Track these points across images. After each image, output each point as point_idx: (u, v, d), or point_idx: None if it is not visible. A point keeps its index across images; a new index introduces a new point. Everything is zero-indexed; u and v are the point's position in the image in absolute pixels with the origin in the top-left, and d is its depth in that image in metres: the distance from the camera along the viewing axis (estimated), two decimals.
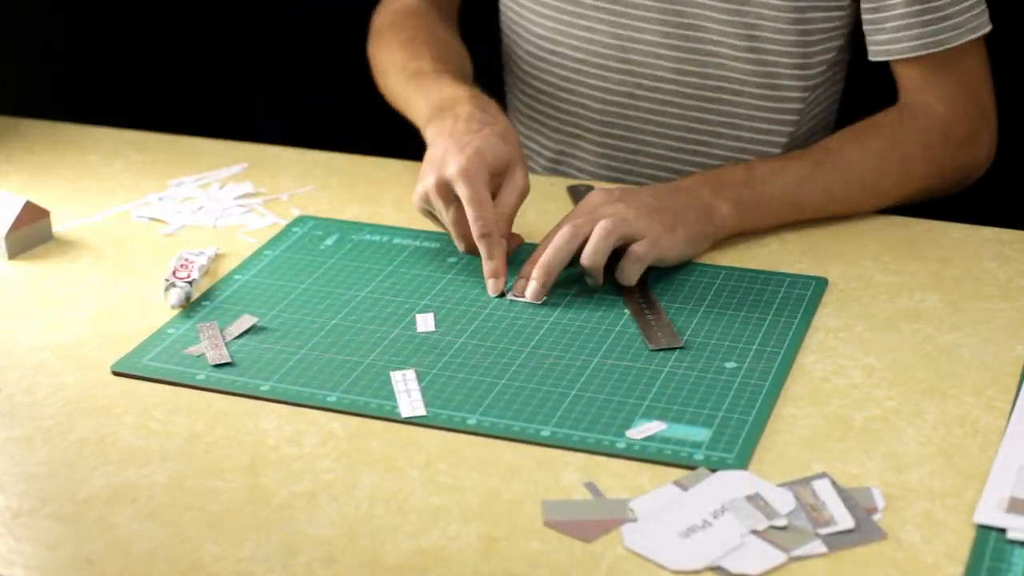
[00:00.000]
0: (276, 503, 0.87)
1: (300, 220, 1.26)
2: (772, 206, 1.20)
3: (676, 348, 1.02)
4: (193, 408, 0.97)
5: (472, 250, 1.15)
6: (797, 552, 0.81)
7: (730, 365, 1.01)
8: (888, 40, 1.25)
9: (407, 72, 1.32)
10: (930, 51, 1.23)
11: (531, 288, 1.09)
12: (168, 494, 0.88)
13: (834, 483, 0.87)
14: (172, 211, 1.28)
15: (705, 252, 1.17)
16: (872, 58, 1.27)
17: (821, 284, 1.12)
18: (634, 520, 0.83)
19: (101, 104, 1.93)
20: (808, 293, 1.11)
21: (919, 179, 1.25)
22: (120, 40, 1.94)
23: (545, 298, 1.10)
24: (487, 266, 1.11)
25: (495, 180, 1.14)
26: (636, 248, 1.10)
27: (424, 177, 1.15)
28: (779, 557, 0.81)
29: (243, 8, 1.93)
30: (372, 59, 1.44)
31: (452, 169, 1.11)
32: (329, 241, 1.22)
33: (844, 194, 1.22)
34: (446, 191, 1.13)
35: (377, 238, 1.22)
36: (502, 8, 1.45)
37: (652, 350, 1.02)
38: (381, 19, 1.46)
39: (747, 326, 1.06)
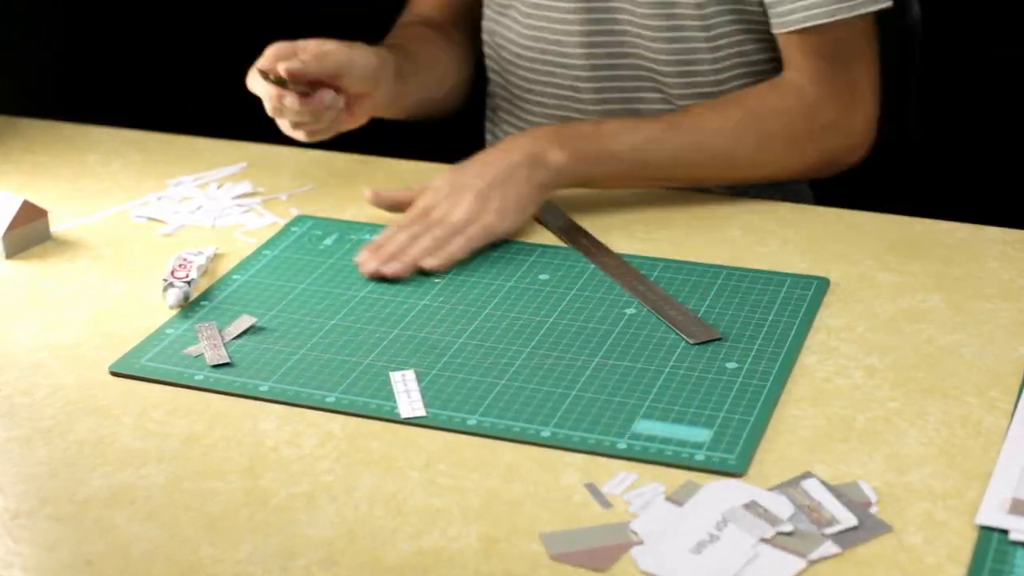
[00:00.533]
0: (275, 504, 0.87)
1: (299, 220, 1.26)
2: (614, 160, 1.23)
3: (715, 340, 1.03)
4: (192, 409, 0.97)
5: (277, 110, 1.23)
6: (813, 555, 0.81)
7: (731, 366, 1.01)
8: (785, 11, 1.25)
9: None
10: (818, 22, 1.24)
11: (392, 267, 1.14)
12: (166, 495, 0.88)
13: (822, 481, 0.87)
14: (170, 211, 1.28)
15: (553, 192, 1.23)
16: (773, 31, 1.28)
17: (823, 284, 1.12)
18: (640, 542, 0.83)
19: (99, 103, 1.93)
20: (809, 293, 1.11)
21: (776, 157, 1.26)
22: (119, 39, 1.94)
23: (541, 295, 1.10)
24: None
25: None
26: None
27: None
28: (799, 563, 0.80)
29: (242, 7, 1.93)
30: None
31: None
32: (328, 241, 1.22)
33: (692, 159, 1.25)
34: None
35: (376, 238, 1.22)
36: None
37: (692, 344, 1.03)
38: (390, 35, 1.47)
39: (748, 326, 1.06)
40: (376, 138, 1.61)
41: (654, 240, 1.20)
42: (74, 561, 0.82)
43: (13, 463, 0.92)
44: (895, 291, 1.11)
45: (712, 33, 1.32)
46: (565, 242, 1.20)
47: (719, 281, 1.13)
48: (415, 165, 1.38)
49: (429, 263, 1.15)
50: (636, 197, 1.28)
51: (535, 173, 1.21)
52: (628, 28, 1.33)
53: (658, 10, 1.30)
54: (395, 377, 1.00)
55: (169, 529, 0.85)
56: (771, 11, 1.28)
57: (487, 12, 1.44)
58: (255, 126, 1.66)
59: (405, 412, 0.96)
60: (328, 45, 1.22)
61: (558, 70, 1.38)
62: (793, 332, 1.05)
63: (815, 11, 1.24)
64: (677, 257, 1.17)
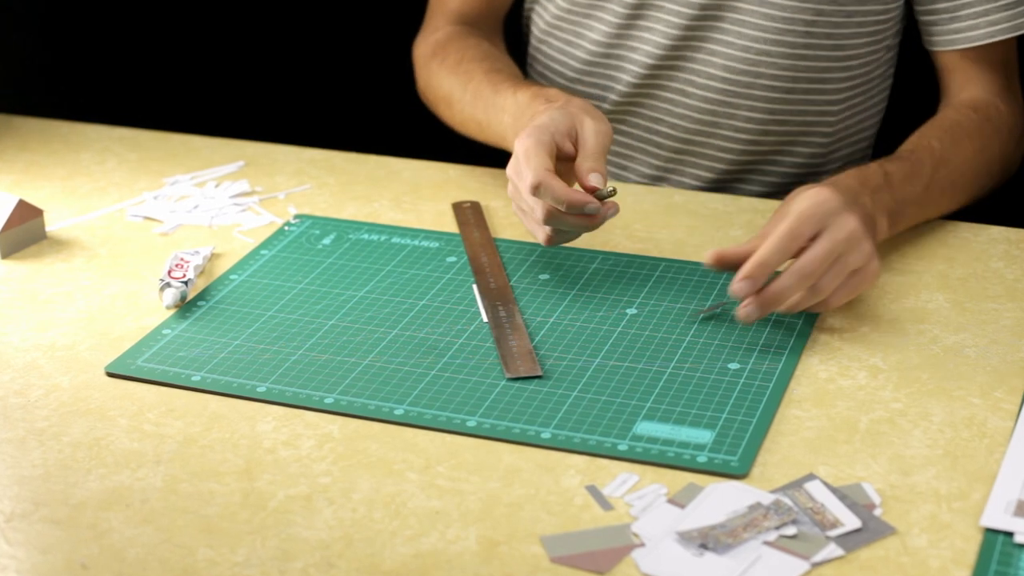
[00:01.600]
0: (272, 507, 0.87)
1: (297, 219, 1.26)
2: (908, 217, 1.16)
3: (535, 377, 0.99)
4: (188, 410, 0.97)
5: (551, 238, 1.09)
6: (816, 558, 0.81)
7: (733, 366, 1.01)
8: (964, 28, 1.26)
9: (469, 95, 1.30)
10: (1002, 37, 1.25)
11: (746, 311, 1.01)
12: (162, 498, 0.88)
13: (825, 483, 0.87)
14: (167, 210, 1.28)
15: None
16: (936, 48, 1.28)
17: None
18: (642, 545, 0.83)
19: (94, 101, 1.93)
20: None
21: (993, 181, 1.27)
22: (114, 37, 1.93)
23: (541, 295, 1.10)
24: (567, 205, 1.04)
25: (569, 144, 1.10)
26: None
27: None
28: (802, 566, 0.80)
29: (239, 4, 1.93)
30: (426, 93, 1.41)
31: (514, 156, 1.09)
32: (326, 240, 1.22)
33: (948, 201, 1.21)
34: (516, 189, 1.10)
35: (375, 237, 1.22)
36: (540, 39, 1.44)
37: (509, 379, 1.00)
38: (422, 52, 1.42)
39: (750, 327, 1.06)
40: (374, 136, 1.61)
41: (655, 240, 1.20)
42: (69, 564, 0.82)
43: (7, 465, 0.92)
44: (899, 291, 1.11)
45: (849, 53, 1.32)
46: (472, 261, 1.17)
47: (721, 281, 1.12)
48: (414, 163, 1.38)
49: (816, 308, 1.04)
50: (637, 196, 1.28)
51: (873, 236, 1.07)
52: (734, 40, 1.31)
53: (792, 25, 1.29)
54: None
55: (165, 532, 0.85)
56: (941, 27, 1.28)
57: (548, 9, 1.42)
58: (252, 124, 1.66)
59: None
60: (588, 141, 1.09)
61: (627, 67, 1.37)
62: (796, 332, 1.05)
63: (1000, 26, 1.25)
64: (678, 257, 1.17)
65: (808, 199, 1.03)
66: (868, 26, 1.32)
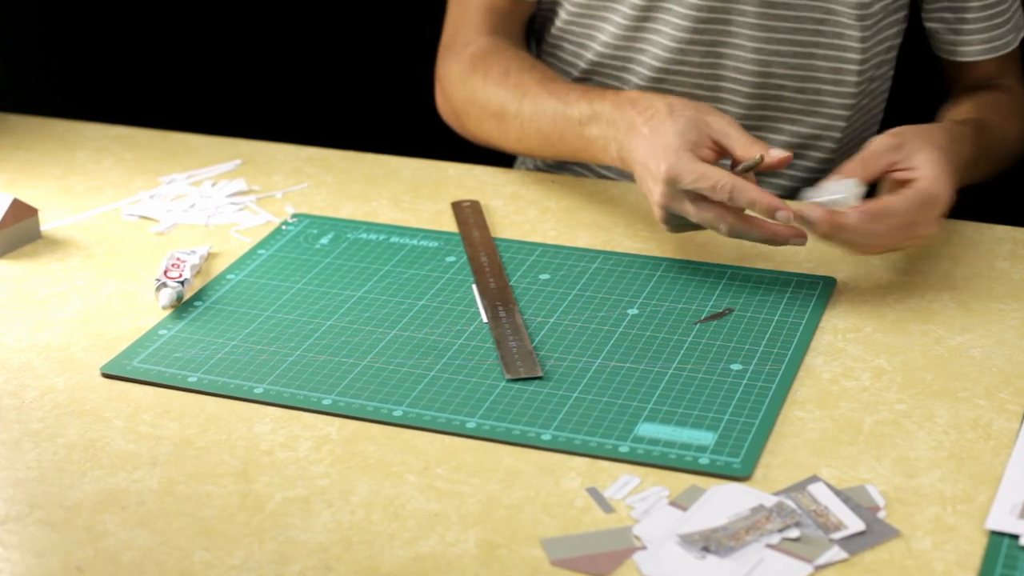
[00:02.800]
0: (269, 509, 0.87)
1: (295, 218, 1.26)
2: (961, 175, 1.17)
3: (535, 378, 0.99)
4: (185, 411, 0.97)
5: (736, 227, 1.08)
6: (820, 561, 0.81)
7: (736, 367, 1.01)
8: (999, 35, 1.33)
9: (527, 108, 1.26)
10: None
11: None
12: (159, 500, 0.88)
13: (829, 485, 0.87)
14: (163, 209, 1.28)
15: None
16: (961, 58, 1.34)
17: (829, 284, 1.12)
18: (643, 548, 0.83)
19: (90, 100, 1.93)
20: (816, 293, 1.10)
21: (1011, 163, 1.31)
22: (110, 34, 1.93)
23: (542, 295, 1.10)
24: (760, 208, 1.05)
25: (713, 147, 1.10)
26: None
27: (650, 195, 1.11)
28: (805, 569, 0.80)
29: (236, 1, 1.93)
30: (466, 111, 1.35)
31: (662, 173, 1.08)
32: (324, 240, 1.22)
33: (983, 172, 1.25)
34: (675, 195, 1.09)
35: (374, 237, 1.22)
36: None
37: (509, 380, 1.00)
38: (456, 69, 1.36)
39: (753, 327, 1.06)
40: (373, 133, 1.61)
41: (657, 239, 1.20)
42: (64, 567, 0.82)
43: (1, 467, 0.92)
44: (903, 291, 1.11)
45: (866, 45, 1.34)
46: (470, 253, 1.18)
47: (723, 281, 1.12)
48: (412, 161, 1.38)
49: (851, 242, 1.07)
50: (639, 195, 1.28)
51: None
52: (744, 44, 1.32)
53: (803, 24, 1.31)
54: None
55: (161, 535, 0.85)
56: (970, 37, 1.33)
57: (560, 15, 1.42)
58: (249, 122, 1.66)
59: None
60: (732, 136, 1.10)
61: (635, 70, 1.37)
62: (799, 333, 1.05)
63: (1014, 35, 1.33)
64: (680, 256, 1.17)
65: (930, 190, 1.07)
66: (884, 19, 1.34)
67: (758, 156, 1.07)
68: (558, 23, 1.41)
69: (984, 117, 1.26)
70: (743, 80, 1.34)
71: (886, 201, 1.07)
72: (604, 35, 1.37)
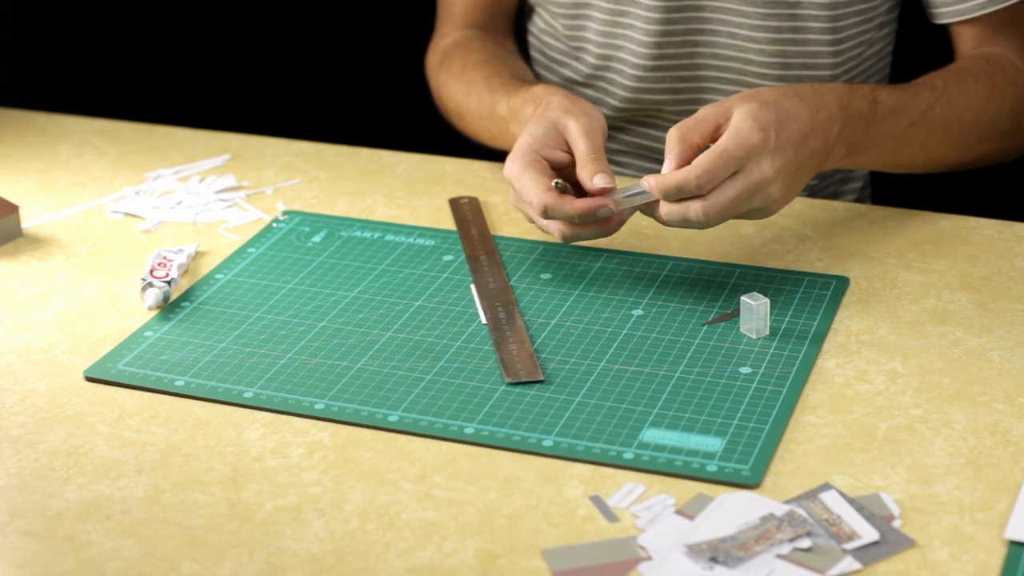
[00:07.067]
0: (260, 518, 0.87)
1: (286, 215, 1.26)
2: (877, 151, 1.18)
3: (536, 382, 1.00)
4: (171, 417, 0.97)
5: (566, 234, 1.10)
6: (832, 572, 0.81)
7: (745, 370, 1.01)
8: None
9: (473, 104, 1.32)
10: (1006, 4, 1.26)
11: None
12: (144, 509, 0.88)
13: (842, 493, 0.87)
14: (149, 206, 1.28)
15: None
16: (939, 20, 1.30)
17: (842, 284, 1.12)
18: (648, 558, 0.83)
19: (72, 92, 1.93)
20: (828, 293, 1.11)
21: (1000, 138, 1.26)
22: (93, 24, 1.94)
23: (543, 295, 1.10)
24: (583, 216, 1.07)
25: (568, 151, 1.12)
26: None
27: None
28: None
29: None
30: (439, 105, 1.43)
31: (510, 187, 1.12)
32: (317, 238, 1.22)
33: (937, 144, 1.22)
34: (519, 199, 1.13)
35: (368, 235, 1.22)
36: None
37: (509, 384, 1.00)
38: (432, 62, 1.45)
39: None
40: (367, 128, 1.61)
41: (663, 238, 1.20)
42: None
43: None
44: (919, 291, 1.11)
45: (839, 36, 1.33)
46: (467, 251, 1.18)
47: (732, 281, 1.13)
48: (408, 156, 1.38)
49: (697, 222, 1.06)
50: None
51: (819, 165, 1.13)
52: (719, 28, 1.33)
53: (775, 9, 1.31)
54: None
55: (147, 545, 0.85)
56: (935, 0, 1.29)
57: (540, 13, 1.43)
58: (238, 116, 1.66)
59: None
60: (577, 144, 1.11)
61: (621, 69, 1.38)
62: (811, 335, 1.05)
63: None
64: (687, 255, 1.17)
65: (744, 130, 1.05)
66: (855, 4, 1.33)
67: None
68: (540, 23, 1.43)
69: (927, 79, 1.22)
70: (722, 67, 1.35)
71: (697, 155, 1.06)
72: (589, 32, 1.39)
